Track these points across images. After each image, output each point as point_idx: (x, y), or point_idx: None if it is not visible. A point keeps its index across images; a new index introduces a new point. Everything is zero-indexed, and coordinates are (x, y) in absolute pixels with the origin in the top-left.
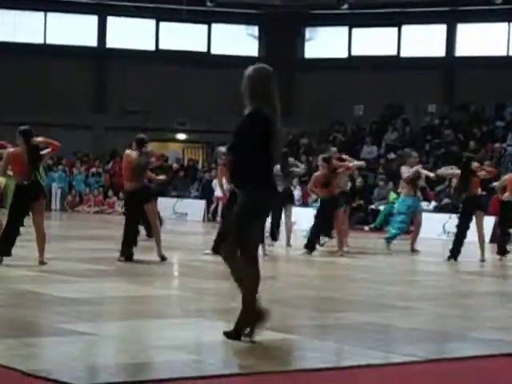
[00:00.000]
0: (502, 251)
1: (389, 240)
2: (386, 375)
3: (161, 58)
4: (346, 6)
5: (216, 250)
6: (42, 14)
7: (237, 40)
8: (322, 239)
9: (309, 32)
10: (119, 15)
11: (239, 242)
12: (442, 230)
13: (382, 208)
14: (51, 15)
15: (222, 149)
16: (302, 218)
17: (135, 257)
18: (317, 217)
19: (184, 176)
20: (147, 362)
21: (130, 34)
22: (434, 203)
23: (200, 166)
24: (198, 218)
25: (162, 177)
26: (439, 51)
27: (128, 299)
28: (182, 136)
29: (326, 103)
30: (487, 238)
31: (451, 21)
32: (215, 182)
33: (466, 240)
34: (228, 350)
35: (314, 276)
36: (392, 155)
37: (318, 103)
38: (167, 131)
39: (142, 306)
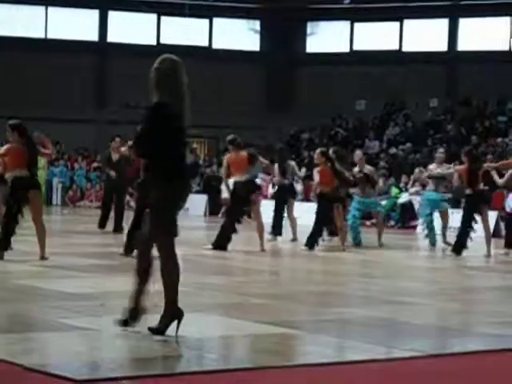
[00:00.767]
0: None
1: (433, 243)
2: (388, 370)
3: (162, 52)
4: (347, 1)
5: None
6: (42, 8)
7: (238, 34)
8: (326, 236)
9: (310, 26)
10: (120, 9)
11: (155, 235)
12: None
13: (383, 203)
14: (52, 9)
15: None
16: (304, 213)
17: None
18: (318, 213)
19: None
20: (148, 357)
21: (131, 28)
22: None
23: (202, 160)
24: (199, 212)
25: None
26: (441, 46)
27: (128, 294)
28: None
29: (327, 98)
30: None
31: (453, 15)
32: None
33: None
34: (229, 344)
35: (315, 271)
36: (394, 150)
37: (320, 98)
38: None
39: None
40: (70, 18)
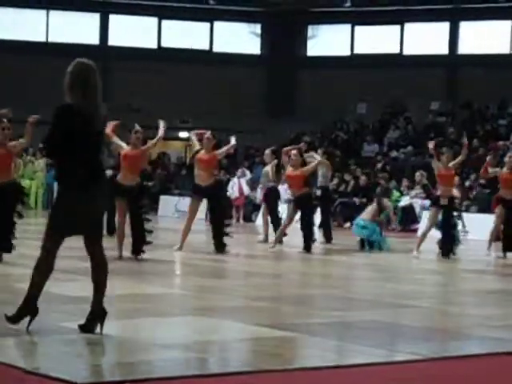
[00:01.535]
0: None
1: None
2: (389, 373)
3: (163, 55)
4: (348, 4)
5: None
6: (44, 11)
7: (239, 38)
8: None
9: (311, 30)
10: (121, 13)
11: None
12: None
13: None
14: (53, 13)
15: (268, 152)
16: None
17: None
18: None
19: (186, 174)
20: (149, 360)
21: (132, 32)
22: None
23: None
24: (200, 216)
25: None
26: (442, 49)
27: (129, 297)
28: (184, 134)
29: (328, 101)
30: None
31: (454, 18)
32: (231, 184)
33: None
34: (229, 348)
35: (316, 274)
36: (395, 153)
37: (321, 101)
38: (169, 129)
39: (143, 305)
40: (71, 22)
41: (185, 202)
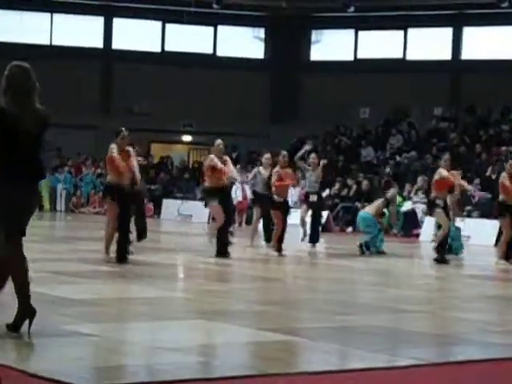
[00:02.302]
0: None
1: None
2: (390, 378)
3: (167, 59)
4: (352, 9)
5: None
6: (48, 15)
7: (243, 42)
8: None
9: (315, 35)
10: (125, 17)
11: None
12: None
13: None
14: (57, 16)
15: (267, 155)
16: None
17: (139, 258)
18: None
19: (189, 178)
20: (150, 363)
21: (136, 35)
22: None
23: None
24: (202, 219)
25: None
26: (445, 54)
27: (131, 301)
28: (187, 138)
29: (331, 106)
30: (492, 241)
31: (457, 24)
32: (234, 189)
33: (471, 243)
34: (232, 351)
35: (317, 278)
36: (398, 158)
37: (324, 106)
38: (172, 133)
39: (145, 308)
40: (75, 25)
41: (187, 206)
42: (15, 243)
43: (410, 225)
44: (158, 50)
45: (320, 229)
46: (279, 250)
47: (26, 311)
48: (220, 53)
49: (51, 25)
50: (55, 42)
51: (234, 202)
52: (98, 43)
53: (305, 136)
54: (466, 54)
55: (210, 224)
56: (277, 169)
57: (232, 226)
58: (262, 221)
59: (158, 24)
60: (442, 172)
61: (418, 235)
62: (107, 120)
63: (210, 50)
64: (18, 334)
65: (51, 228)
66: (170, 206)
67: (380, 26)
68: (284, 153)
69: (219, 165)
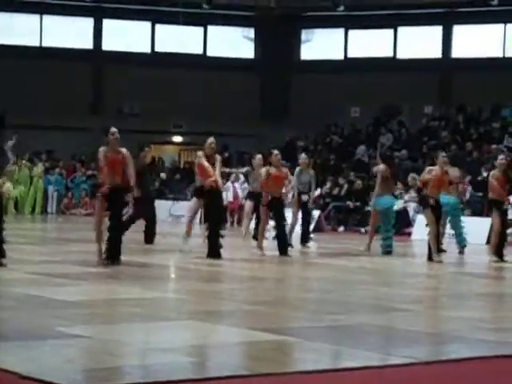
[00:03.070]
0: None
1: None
2: (384, 377)
3: (157, 60)
4: (341, 8)
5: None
6: (37, 16)
7: (233, 42)
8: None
9: (305, 34)
10: (115, 18)
11: None
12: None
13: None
14: (47, 18)
15: (259, 156)
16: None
17: (131, 259)
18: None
19: (180, 178)
20: (143, 364)
21: (126, 36)
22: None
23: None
24: (194, 220)
25: None
26: (435, 53)
27: (123, 302)
28: (178, 138)
29: (322, 105)
30: (484, 239)
31: (447, 22)
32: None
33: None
34: (225, 352)
35: (310, 277)
36: None
37: (315, 105)
38: (163, 134)
39: (137, 309)
40: (65, 26)
41: (179, 207)
42: None
43: (401, 223)
44: (148, 50)
45: (310, 228)
46: (261, 246)
47: None
48: (210, 53)
49: (41, 26)
50: (45, 44)
51: (225, 203)
52: (88, 44)
53: (296, 135)
54: (456, 53)
55: (201, 225)
56: (268, 167)
57: (223, 227)
58: (254, 218)
59: (147, 25)
60: (432, 170)
61: (409, 234)
62: (97, 121)
63: (200, 51)
64: (10, 336)
65: (42, 230)
66: (161, 206)
67: (370, 25)
68: (276, 152)
69: (206, 164)
